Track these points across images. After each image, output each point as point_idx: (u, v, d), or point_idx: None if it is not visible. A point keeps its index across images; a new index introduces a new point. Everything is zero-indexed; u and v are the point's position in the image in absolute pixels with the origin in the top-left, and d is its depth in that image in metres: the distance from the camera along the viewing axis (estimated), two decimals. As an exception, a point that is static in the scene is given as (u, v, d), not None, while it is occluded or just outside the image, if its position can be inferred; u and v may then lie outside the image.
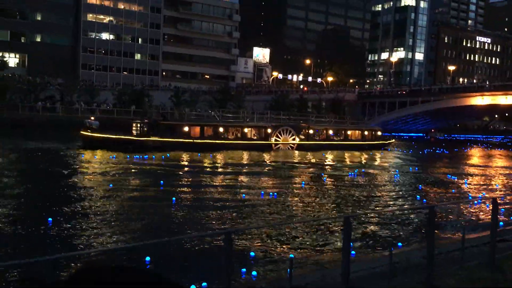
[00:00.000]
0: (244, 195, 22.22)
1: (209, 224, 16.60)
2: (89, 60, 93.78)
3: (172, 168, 31.83)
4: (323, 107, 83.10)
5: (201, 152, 40.25)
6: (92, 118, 46.23)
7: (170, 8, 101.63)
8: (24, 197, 20.04)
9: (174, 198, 20.39)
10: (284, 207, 20.09)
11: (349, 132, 55.39)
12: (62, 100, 70.46)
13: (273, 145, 47.77)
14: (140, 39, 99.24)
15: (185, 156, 38.80)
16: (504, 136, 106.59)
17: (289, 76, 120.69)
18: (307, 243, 14.46)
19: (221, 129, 46.00)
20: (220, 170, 33.14)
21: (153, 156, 36.38)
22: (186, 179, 28.18)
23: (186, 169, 33.05)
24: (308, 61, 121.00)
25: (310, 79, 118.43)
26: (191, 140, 43.02)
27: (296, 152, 46.92)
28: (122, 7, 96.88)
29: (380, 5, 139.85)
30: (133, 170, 30.00)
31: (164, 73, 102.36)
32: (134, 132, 42.97)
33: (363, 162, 43.09)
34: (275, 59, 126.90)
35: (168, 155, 37.99)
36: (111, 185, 23.34)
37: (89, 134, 40.05)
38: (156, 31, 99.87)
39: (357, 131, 56.32)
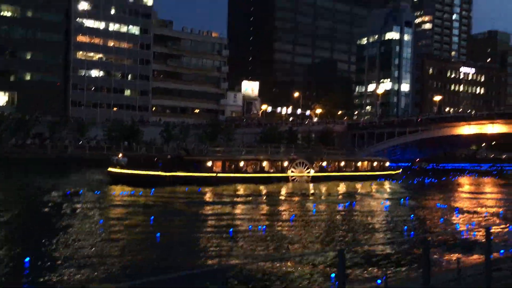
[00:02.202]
0: (251, 226, 22.17)
1: (210, 256, 16.45)
2: (78, 97, 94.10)
3: (172, 202, 32.29)
4: (312, 138, 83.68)
5: (224, 185, 41.56)
6: (120, 155, 47.16)
7: (160, 44, 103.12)
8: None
9: (158, 234, 20.08)
10: (283, 239, 20.01)
11: (359, 164, 56.49)
12: (51, 137, 70.24)
13: (289, 177, 48.81)
14: (130, 75, 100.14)
15: (204, 189, 39.66)
16: (492, 164, 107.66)
17: (278, 109, 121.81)
18: (302, 276, 14.34)
19: (241, 163, 47.29)
20: (238, 201, 34.55)
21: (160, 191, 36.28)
22: (188, 213, 28.08)
23: (184, 202, 33.10)
24: (296, 94, 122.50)
25: (299, 111, 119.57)
26: (214, 174, 44.56)
27: (311, 184, 47.88)
28: (112, 44, 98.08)
29: (365, 39, 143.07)
30: (147, 204, 29.89)
31: (154, 108, 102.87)
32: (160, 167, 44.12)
33: (364, 192, 43.74)
34: (264, 92, 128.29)
35: (187, 189, 38.76)
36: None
37: (118, 170, 41.41)
38: (146, 67, 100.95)
39: (366, 162, 57.56)
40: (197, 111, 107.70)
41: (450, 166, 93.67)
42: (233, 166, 46.74)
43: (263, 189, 42.27)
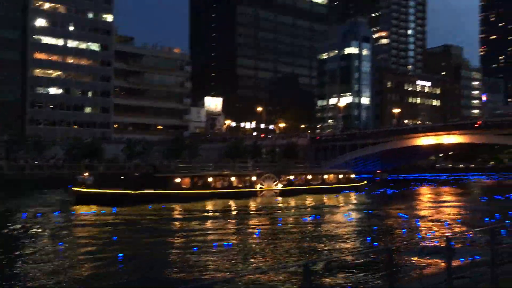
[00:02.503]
0: (215, 244, 21.96)
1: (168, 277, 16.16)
2: (37, 115, 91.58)
3: (139, 220, 31.63)
4: (277, 152, 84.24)
5: (192, 202, 41.08)
6: (86, 174, 46.05)
7: (121, 61, 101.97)
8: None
9: (121, 254, 19.62)
10: (249, 254, 19.92)
11: (325, 176, 57.07)
12: (7, 157, 67.79)
13: (258, 192, 48.86)
14: (90, 92, 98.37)
15: (172, 206, 39.30)
16: (449, 174, 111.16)
17: (242, 124, 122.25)
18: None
19: (210, 179, 46.96)
20: (205, 217, 34.16)
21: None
22: (154, 231, 27.49)
23: (151, 219, 32.51)
24: (260, 108, 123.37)
25: (262, 125, 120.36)
26: (183, 191, 44.05)
27: (279, 198, 47.96)
28: (72, 61, 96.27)
29: (325, 54, 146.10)
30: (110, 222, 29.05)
31: (116, 126, 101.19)
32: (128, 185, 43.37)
33: (330, 204, 44.43)
34: (227, 107, 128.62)
35: (150, 207, 38.12)
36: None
37: (83, 190, 40.40)
38: (106, 84, 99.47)
39: (332, 175, 58.24)
40: (160, 127, 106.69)
41: (411, 177, 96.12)
42: (201, 182, 46.46)
43: (231, 204, 42.13)
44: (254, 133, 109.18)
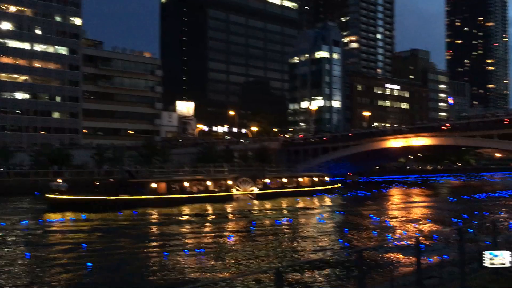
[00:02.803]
0: (186, 250, 21.68)
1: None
2: (2, 121, 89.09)
3: (114, 226, 31.07)
4: (249, 156, 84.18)
5: (169, 207, 40.83)
6: (60, 180, 45.36)
7: (90, 65, 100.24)
8: None
9: (90, 264, 19.18)
10: (220, 258, 19.78)
11: (300, 179, 57.63)
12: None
13: (234, 196, 49.01)
14: (58, 97, 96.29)
15: (148, 212, 38.92)
16: (418, 175, 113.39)
17: (214, 128, 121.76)
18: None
19: (186, 184, 46.75)
20: (180, 221, 33.97)
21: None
22: (127, 237, 27.00)
23: (125, 225, 31.95)
24: (232, 113, 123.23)
25: (235, 130, 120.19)
26: (159, 196, 43.67)
27: (255, 201, 48.18)
28: (39, 65, 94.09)
29: (296, 58, 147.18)
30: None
31: (85, 131, 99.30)
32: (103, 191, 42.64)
33: (304, 207, 44.86)
34: (199, 111, 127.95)
35: (120, 213, 37.54)
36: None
37: (57, 196, 39.74)
38: (75, 88, 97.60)
39: (307, 178, 58.80)
40: (131, 132, 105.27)
41: (381, 179, 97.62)
42: (177, 187, 46.22)
43: (207, 208, 42.03)
44: (227, 137, 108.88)
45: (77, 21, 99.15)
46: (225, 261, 19.91)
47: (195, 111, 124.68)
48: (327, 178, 60.90)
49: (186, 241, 25.33)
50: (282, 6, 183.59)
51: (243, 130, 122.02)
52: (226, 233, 28.12)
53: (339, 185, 63.18)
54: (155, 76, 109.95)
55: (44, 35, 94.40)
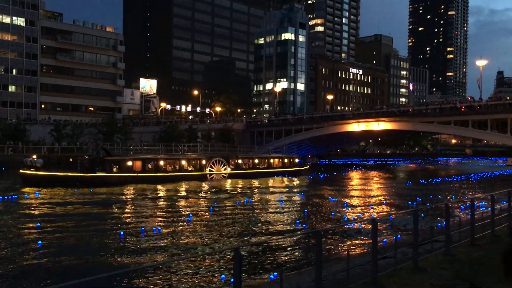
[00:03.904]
0: (143, 228, 21.51)
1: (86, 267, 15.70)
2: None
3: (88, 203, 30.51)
4: (212, 136, 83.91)
5: (145, 185, 41.77)
6: (35, 156, 45.13)
7: (49, 38, 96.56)
8: None
9: (40, 242, 18.85)
10: (181, 238, 19.76)
11: (271, 161, 59.80)
12: None
13: (207, 175, 50.28)
14: (14, 70, 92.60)
15: (122, 190, 39.23)
16: (377, 159, 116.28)
17: (178, 107, 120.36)
18: (197, 278, 14.32)
19: (161, 162, 47.78)
20: (148, 201, 33.76)
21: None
22: (98, 215, 26.61)
23: (100, 203, 31.51)
24: (196, 92, 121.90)
25: (198, 109, 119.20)
26: (135, 174, 44.36)
27: (228, 180, 49.97)
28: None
29: (262, 39, 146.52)
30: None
31: (42, 106, 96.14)
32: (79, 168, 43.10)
33: (270, 187, 46.29)
34: (162, 90, 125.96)
35: (91, 190, 37.52)
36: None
37: (32, 172, 39.97)
38: (32, 61, 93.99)
39: (277, 159, 61.12)
40: (91, 109, 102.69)
41: (341, 161, 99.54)
42: (153, 165, 47.14)
43: (180, 187, 42.88)
44: (190, 117, 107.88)
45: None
46: (178, 241, 19.90)
47: (159, 89, 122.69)
48: (297, 160, 63.55)
49: (144, 221, 25.15)
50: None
51: (207, 110, 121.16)
52: (186, 214, 28.10)
53: (307, 167, 65.19)
54: (117, 52, 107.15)
55: (0, 4, 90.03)
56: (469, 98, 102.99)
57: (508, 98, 79.82)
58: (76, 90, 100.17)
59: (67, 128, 73.13)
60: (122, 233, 21.00)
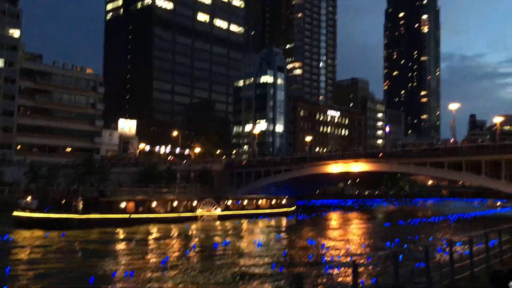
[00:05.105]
0: (114, 275, 21.02)
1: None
2: None
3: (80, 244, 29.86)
4: (191, 177, 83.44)
5: (137, 226, 42.30)
6: (29, 198, 45.30)
7: (28, 79, 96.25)
8: None
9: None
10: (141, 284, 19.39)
11: (260, 202, 60.99)
12: None
13: (198, 217, 50.93)
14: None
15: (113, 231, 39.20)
16: (355, 200, 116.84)
17: (157, 148, 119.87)
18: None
19: (154, 204, 48.46)
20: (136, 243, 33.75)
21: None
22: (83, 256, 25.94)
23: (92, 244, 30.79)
24: (175, 133, 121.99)
25: (178, 150, 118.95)
26: (128, 215, 44.95)
27: (218, 222, 50.61)
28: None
29: (241, 81, 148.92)
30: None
31: (19, 147, 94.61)
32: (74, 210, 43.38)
33: (255, 228, 46.71)
34: (142, 130, 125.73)
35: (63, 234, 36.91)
36: None
37: (27, 214, 40.11)
38: (10, 102, 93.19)
39: (265, 200, 62.43)
40: (69, 150, 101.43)
41: (320, 202, 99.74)
42: (146, 206, 47.79)
43: (169, 229, 43.23)
44: (169, 158, 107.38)
45: (16, 33, 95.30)
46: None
47: (138, 130, 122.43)
48: (284, 201, 64.72)
49: (119, 263, 24.71)
50: (228, 30, 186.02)
51: (187, 151, 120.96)
52: (163, 256, 27.61)
53: (294, 208, 65.83)
54: (97, 93, 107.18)
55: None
56: (449, 143, 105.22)
57: (480, 140, 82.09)
58: (53, 131, 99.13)
59: (43, 170, 71.89)
60: (93, 277, 20.52)
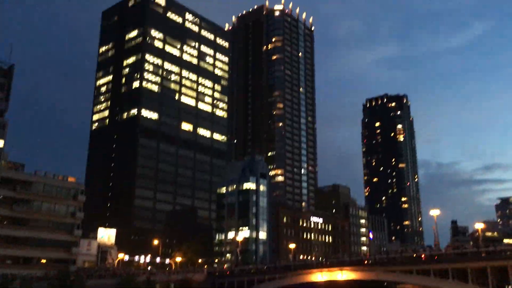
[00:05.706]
0: None
1: None
2: None
3: None
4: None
5: None
6: None
7: (7, 188, 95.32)
8: None
9: None
10: None
11: None
12: None
13: None
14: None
15: None
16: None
17: (136, 258, 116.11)
18: None
19: None
20: None
21: None
22: None
23: None
24: (156, 241, 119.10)
25: (158, 259, 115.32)
26: None
27: None
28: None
29: (224, 188, 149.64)
30: None
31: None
32: None
33: None
34: (122, 239, 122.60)
35: None
36: None
37: None
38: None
39: None
40: (44, 261, 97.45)
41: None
42: None
43: None
44: (149, 268, 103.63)
45: (0, 143, 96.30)
46: None
47: (118, 239, 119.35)
48: None
49: None
50: (212, 139, 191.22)
51: (167, 261, 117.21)
52: None
53: None
54: (77, 201, 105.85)
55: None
56: (432, 249, 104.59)
57: (464, 246, 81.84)
58: (29, 241, 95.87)
59: (15, 283, 68.46)
60: None
